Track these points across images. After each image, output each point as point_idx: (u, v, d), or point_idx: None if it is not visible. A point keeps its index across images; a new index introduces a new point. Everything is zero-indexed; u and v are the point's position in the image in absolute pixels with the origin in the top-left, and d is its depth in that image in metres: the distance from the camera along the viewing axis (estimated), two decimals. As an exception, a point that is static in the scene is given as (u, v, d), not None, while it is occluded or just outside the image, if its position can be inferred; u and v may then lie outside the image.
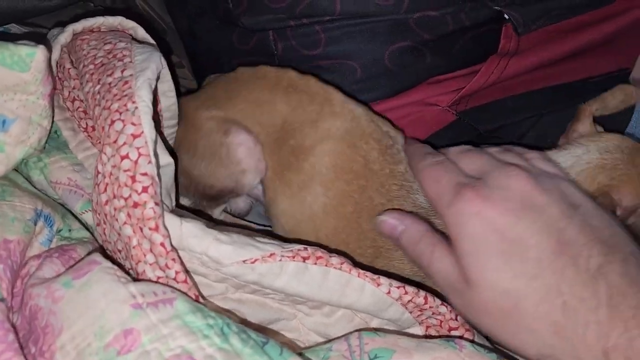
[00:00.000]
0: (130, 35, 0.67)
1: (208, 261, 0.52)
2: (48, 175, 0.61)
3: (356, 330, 0.52)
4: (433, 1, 0.64)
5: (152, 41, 0.67)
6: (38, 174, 0.61)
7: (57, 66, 0.66)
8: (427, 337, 0.55)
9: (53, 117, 0.63)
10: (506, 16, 0.66)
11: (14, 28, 0.77)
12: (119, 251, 0.53)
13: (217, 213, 0.71)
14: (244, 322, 0.54)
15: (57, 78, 0.66)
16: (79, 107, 0.65)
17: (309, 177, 0.61)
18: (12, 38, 0.59)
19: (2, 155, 0.56)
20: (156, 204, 0.51)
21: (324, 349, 0.49)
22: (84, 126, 0.65)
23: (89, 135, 0.65)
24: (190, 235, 0.52)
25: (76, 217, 0.61)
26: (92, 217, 0.57)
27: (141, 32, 0.67)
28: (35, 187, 0.61)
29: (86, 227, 0.61)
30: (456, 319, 0.55)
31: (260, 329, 0.55)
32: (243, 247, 0.52)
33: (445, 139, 0.71)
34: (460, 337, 0.52)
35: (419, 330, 0.56)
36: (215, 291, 0.54)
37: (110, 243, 0.54)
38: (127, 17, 0.67)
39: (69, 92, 0.66)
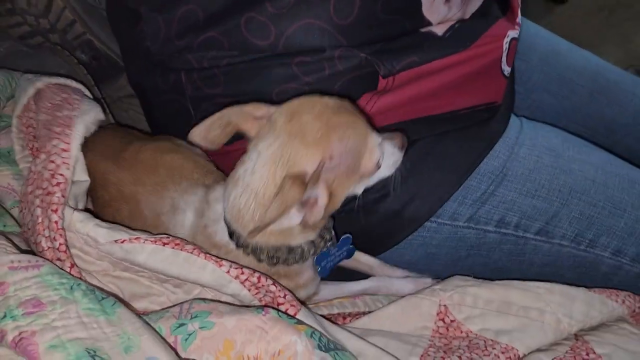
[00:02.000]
0: (86, 94, 0.89)
1: (89, 240, 0.67)
2: (-6, 180, 0.79)
3: (192, 299, 0.65)
4: (306, 47, 0.76)
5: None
6: (-13, 180, 0.80)
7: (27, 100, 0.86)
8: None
9: None
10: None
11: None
12: (29, 229, 0.69)
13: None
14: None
15: (24, 106, 0.86)
16: (31, 132, 0.84)
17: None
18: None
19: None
20: (63, 195, 0.68)
21: (164, 312, 0.63)
22: (31, 147, 0.83)
23: (32, 154, 0.83)
24: (77, 220, 0.68)
25: (12, 216, 0.78)
26: (17, 213, 0.75)
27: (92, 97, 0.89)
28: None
29: (18, 223, 0.78)
30: (284, 297, 0.67)
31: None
32: (116, 231, 0.67)
33: None
34: (274, 309, 0.64)
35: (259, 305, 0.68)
36: (98, 267, 0.69)
37: (25, 225, 0.71)
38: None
39: (27, 119, 0.85)
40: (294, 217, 0.63)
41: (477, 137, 0.85)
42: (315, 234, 0.71)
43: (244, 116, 0.69)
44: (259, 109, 0.69)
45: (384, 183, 0.75)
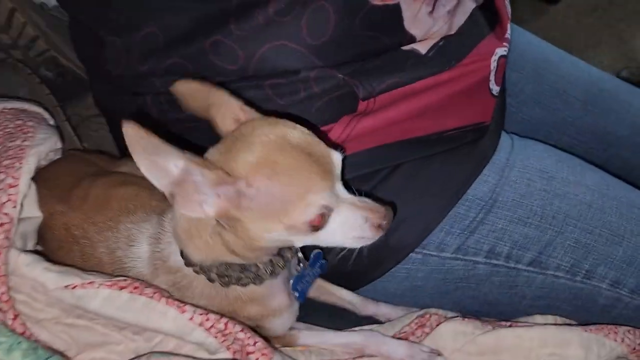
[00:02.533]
0: (45, 118, 0.84)
1: (37, 286, 0.61)
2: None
3: (150, 352, 0.59)
4: (279, 69, 0.70)
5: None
6: None
7: None
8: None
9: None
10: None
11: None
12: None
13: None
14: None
15: None
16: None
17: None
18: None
19: None
20: (7, 237, 0.62)
21: (119, 367, 0.57)
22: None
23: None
24: (24, 263, 0.62)
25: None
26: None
27: (52, 122, 0.85)
28: None
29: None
30: (254, 345, 0.61)
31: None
32: (67, 275, 0.62)
33: None
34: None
35: (227, 355, 0.62)
36: (48, 315, 0.63)
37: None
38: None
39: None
40: (160, 181, 0.54)
41: (465, 159, 0.80)
42: (268, 257, 0.65)
43: (228, 114, 0.62)
44: (245, 114, 0.62)
45: None
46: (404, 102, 0.74)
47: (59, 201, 0.71)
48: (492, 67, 0.77)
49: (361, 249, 0.63)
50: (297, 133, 0.59)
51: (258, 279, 0.64)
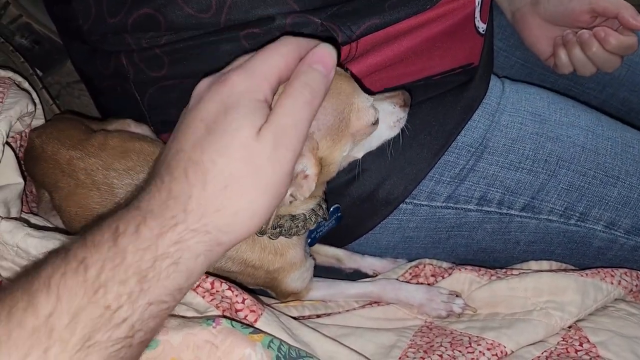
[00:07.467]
0: (17, 83, 0.81)
1: (20, 252, 0.60)
2: None
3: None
4: (253, 17, 0.67)
5: (31, 91, 0.82)
6: None
7: None
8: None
9: None
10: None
11: None
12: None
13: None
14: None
15: None
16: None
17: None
18: None
19: None
20: None
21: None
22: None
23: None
24: (5, 230, 0.60)
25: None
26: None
27: (26, 85, 0.82)
28: None
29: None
30: (242, 302, 0.61)
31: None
32: (49, 240, 0.60)
33: None
34: (226, 318, 0.57)
35: (217, 313, 0.61)
36: (34, 281, 0.62)
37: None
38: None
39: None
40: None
41: (454, 105, 0.77)
42: (317, 202, 0.68)
43: None
44: None
45: (353, 164, 0.68)
46: (386, 46, 0.72)
47: (73, 149, 0.72)
48: (477, 2, 0.73)
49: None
50: None
51: (304, 228, 0.67)
